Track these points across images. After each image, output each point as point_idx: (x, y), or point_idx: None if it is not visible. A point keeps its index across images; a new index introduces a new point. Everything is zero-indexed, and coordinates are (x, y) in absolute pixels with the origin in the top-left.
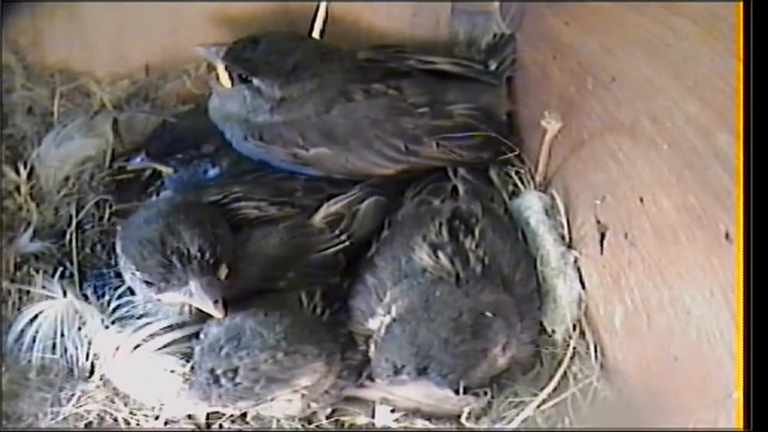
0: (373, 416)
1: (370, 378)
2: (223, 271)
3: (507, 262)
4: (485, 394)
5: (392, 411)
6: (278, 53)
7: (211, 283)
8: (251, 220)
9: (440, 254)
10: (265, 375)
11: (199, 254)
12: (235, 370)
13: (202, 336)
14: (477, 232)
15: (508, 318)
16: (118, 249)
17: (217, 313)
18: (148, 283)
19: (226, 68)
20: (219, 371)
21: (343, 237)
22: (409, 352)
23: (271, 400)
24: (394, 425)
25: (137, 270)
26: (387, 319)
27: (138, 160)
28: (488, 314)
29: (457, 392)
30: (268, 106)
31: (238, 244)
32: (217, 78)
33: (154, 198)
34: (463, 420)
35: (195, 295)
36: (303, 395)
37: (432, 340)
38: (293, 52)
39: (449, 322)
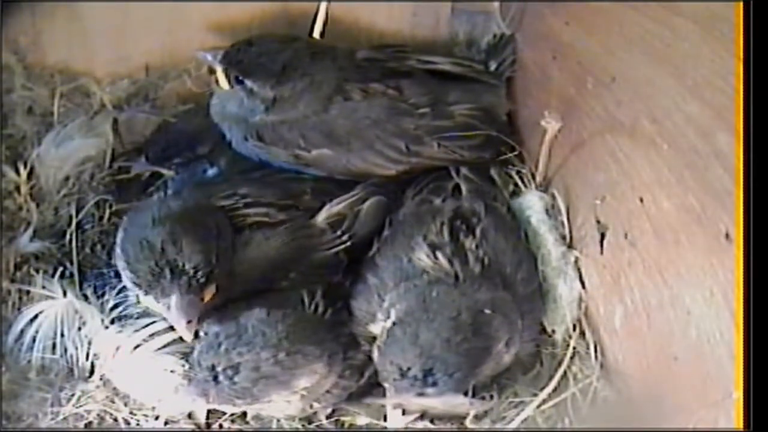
0: (384, 419)
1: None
2: (209, 292)
3: (509, 262)
4: (491, 397)
5: (403, 413)
6: (268, 54)
7: (191, 304)
8: (255, 222)
9: (439, 255)
10: (264, 375)
11: (192, 271)
12: (236, 368)
13: (202, 334)
14: (478, 232)
15: (508, 315)
16: (117, 240)
17: (187, 334)
18: (134, 283)
19: (224, 71)
20: (219, 368)
21: (344, 237)
22: (412, 353)
23: (269, 401)
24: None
25: (127, 269)
26: (388, 324)
27: (139, 163)
28: (487, 311)
29: (466, 393)
30: (263, 107)
31: (239, 247)
32: (217, 81)
33: (161, 196)
34: (467, 422)
35: (172, 311)
36: (302, 396)
37: (434, 340)
38: (283, 53)
39: (449, 322)
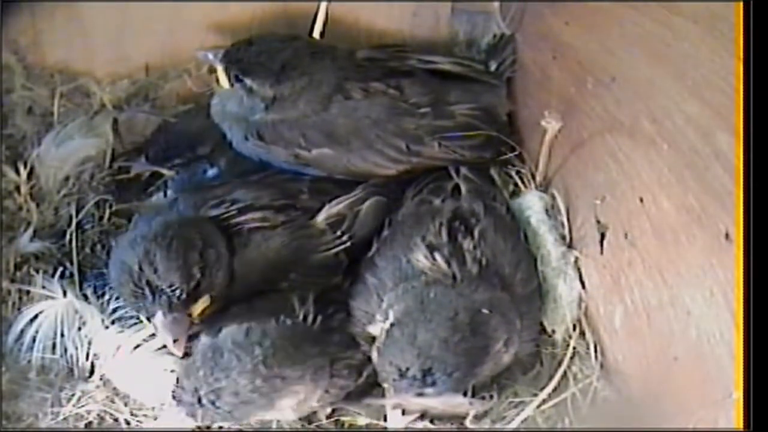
0: (384, 419)
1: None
2: (199, 306)
3: (508, 262)
4: (491, 397)
5: (403, 413)
6: (268, 53)
7: (176, 321)
8: (253, 228)
9: (437, 255)
10: (244, 401)
11: (169, 290)
12: (217, 393)
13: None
14: (476, 233)
15: (506, 314)
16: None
17: (176, 351)
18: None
19: (224, 70)
20: (201, 392)
21: (344, 238)
22: (411, 353)
23: (254, 421)
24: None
25: (116, 292)
26: (386, 325)
27: (139, 163)
28: (485, 311)
29: (465, 393)
30: (263, 105)
31: (238, 249)
32: (217, 81)
33: (161, 196)
34: (467, 422)
35: (158, 330)
36: (292, 410)
37: (432, 340)
38: (283, 52)
39: (446, 322)
